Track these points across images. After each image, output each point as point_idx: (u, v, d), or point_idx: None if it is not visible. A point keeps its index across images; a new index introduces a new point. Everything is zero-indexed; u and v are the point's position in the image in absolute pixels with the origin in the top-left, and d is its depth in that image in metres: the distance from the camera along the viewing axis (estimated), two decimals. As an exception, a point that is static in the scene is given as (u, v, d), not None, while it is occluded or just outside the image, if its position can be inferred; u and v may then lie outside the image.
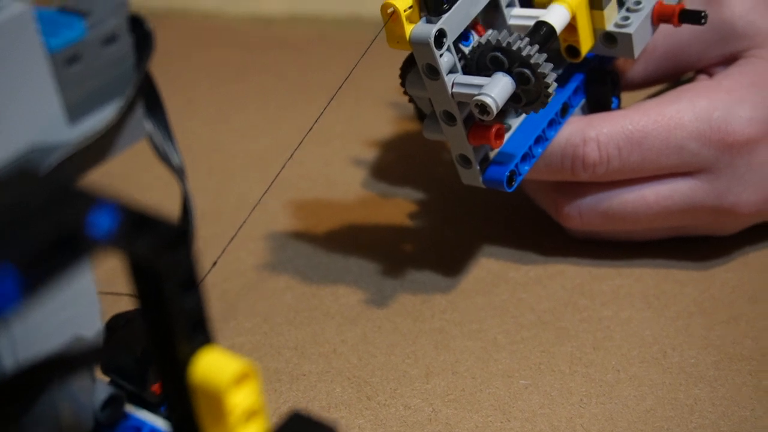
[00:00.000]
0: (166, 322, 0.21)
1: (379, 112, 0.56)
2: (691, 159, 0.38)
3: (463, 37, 0.35)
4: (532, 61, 0.33)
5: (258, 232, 0.46)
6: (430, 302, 0.41)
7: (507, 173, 0.37)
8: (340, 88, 0.38)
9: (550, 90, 0.34)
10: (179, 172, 0.28)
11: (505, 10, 0.37)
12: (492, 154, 0.38)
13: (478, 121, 0.35)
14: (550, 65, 0.34)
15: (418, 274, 0.42)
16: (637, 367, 0.37)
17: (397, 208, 0.47)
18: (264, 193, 0.39)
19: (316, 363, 0.38)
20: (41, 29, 0.24)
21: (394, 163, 0.51)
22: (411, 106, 0.39)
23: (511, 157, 0.37)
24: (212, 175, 0.52)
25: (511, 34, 0.34)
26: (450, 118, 0.36)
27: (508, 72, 0.34)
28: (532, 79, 0.34)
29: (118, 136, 0.26)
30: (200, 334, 0.22)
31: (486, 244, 0.44)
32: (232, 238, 0.37)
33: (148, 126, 0.28)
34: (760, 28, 0.39)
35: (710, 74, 0.41)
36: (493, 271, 0.42)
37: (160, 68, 0.64)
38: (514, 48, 0.33)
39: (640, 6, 0.38)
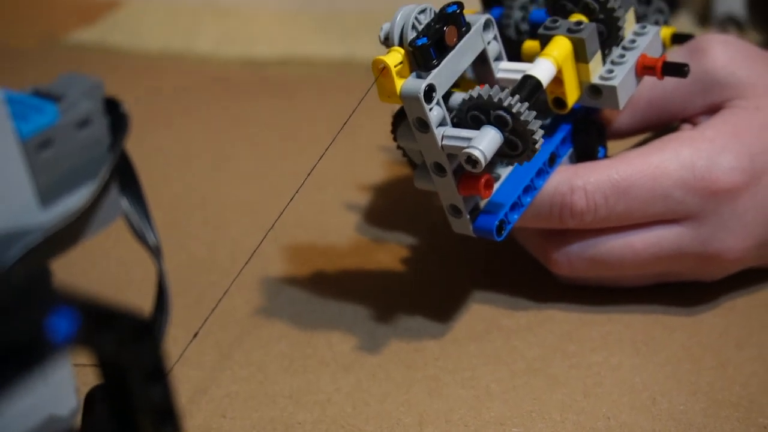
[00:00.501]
0: (132, 414, 0.22)
1: (371, 157, 0.57)
2: (677, 207, 0.39)
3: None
4: (519, 116, 0.34)
5: (252, 280, 0.47)
6: (423, 350, 0.41)
7: (496, 222, 0.38)
8: (333, 139, 0.38)
9: (537, 144, 0.35)
10: (155, 252, 0.28)
11: (493, 64, 0.38)
12: (482, 204, 0.39)
13: (468, 172, 0.36)
14: (539, 122, 0.35)
15: (411, 321, 0.43)
16: (627, 414, 0.37)
17: (390, 253, 0.48)
18: (259, 244, 0.40)
19: (311, 411, 0.38)
20: (12, 113, 0.24)
21: (387, 208, 0.52)
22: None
23: (500, 206, 0.38)
24: (207, 223, 0.52)
25: (502, 90, 0.35)
26: (440, 170, 0.36)
27: (495, 124, 0.35)
28: (519, 131, 0.35)
29: (93, 217, 0.26)
30: (168, 426, 0.22)
31: (478, 291, 0.44)
32: (226, 291, 0.38)
33: (124, 204, 0.27)
34: (741, 79, 0.40)
35: (694, 124, 0.42)
36: (485, 318, 0.43)
37: (155, 115, 0.65)
38: (504, 104, 0.34)
39: (624, 59, 0.39)
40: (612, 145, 0.43)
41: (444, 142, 0.35)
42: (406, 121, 0.36)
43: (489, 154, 0.34)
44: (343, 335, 0.42)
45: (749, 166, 0.38)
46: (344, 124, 0.38)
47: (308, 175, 0.38)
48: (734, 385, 0.38)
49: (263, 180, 0.56)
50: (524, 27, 0.43)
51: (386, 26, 0.36)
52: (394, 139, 0.38)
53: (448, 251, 0.47)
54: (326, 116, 0.64)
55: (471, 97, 0.35)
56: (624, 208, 0.39)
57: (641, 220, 0.39)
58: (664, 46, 0.43)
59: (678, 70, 0.38)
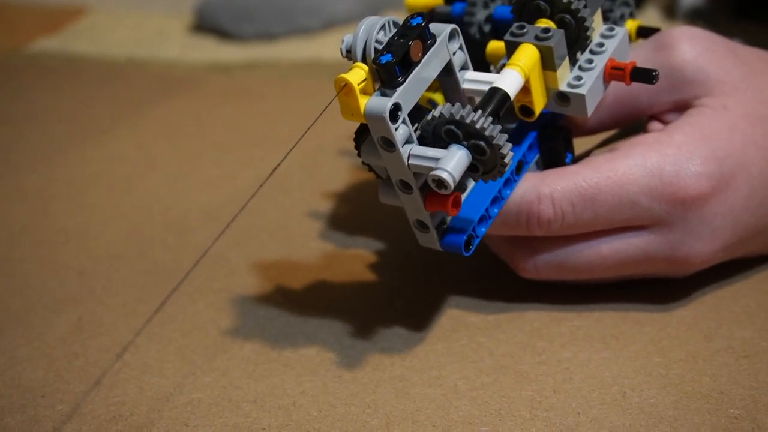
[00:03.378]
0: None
1: (337, 162, 0.56)
2: (644, 213, 0.38)
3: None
4: (486, 133, 0.33)
5: (217, 285, 0.46)
6: (389, 350, 0.41)
7: (464, 239, 0.37)
8: (295, 144, 0.37)
9: (506, 160, 0.34)
10: None
11: (459, 74, 0.36)
12: (448, 218, 0.38)
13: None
14: (505, 136, 0.34)
15: (378, 322, 0.42)
16: (597, 409, 0.36)
17: (356, 258, 0.47)
18: (214, 241, 0.39)
19: (275, 416, 0.38)
20: None
21: (352, 214, 0.51)
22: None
23: (468, 222, 0.37)
24: (171, 229, 0.51)
25: (464, 106, 0.34)
26: (406, 187, 0.35)
27: (464, 143, 0.34)
28: (488, 151, 0.34)
29: None
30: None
31: (445, 291, 0.44)
32: (174, 289, 0.37)
33: None
34: (709, 75, 0.39)
35: (662, 120, 0.41)
36: (453, 317, 0.42)
37: (119, 121, 0.65)
38: (468, 121, 0.33)
39: (593, 65, 0.38)
40: (579, 142, 0.43)
41: (410, 161, 0.34)
42: (370, 138, 0.35)
43: (457, 176, 0.33)
44: (309, 339, 0.42)
45: (717, 171, 0.38)
46: (306, 130, 0.37)
47: (267, 178, 0.37)
48: (704, 377, 0.37)
49: (228, 185, 0.55)
50: (488, 28, 0.42)
51: (348, 38, 0.35)
52: (358, 154, 0.37)
53: (413, 254, 0.47)
54: (293, 120, 0.63)
55: (435, 116, 0.34)
56: (591, 216, 0.38)
57: (609, 227, 0.39)
58: (631, 39, 0.42)
59: (646, 76, 0.37)
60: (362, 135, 0.36)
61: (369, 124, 0.34)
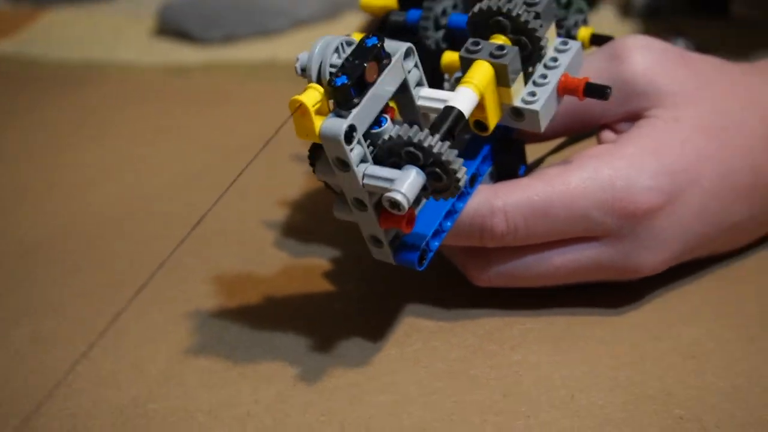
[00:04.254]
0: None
1: (292, 167, 0.56)
2: (595, 226, 0.39)
3: (375, 121, 0.35)
4: (443, 158, 0.33)
5: (172, 293, 0.46)
6: (343, 356, 0.41)
7: (419, 254, 0.37)
8: (255, 157, 0.37)
9: (460, 183, 0.34)
10: None
11: (414, 91, 0.37)
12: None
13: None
14: (461, 160, 0.34)
15: (332, 329, 0.42)
16: (547, 412, 0.37)
17: (310, 266, 0.47)
18: (168, 255, 0.39)
19: (229, 427, 0.38)
20: None
21: (307, 221, 0.51)
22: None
23: (421, 237, 0.37)
24: (126, 238, 0.51)
25: (419, 122, 0.34)
26: (361, 204, 0.36)
27: (418, 164, 0.34)
28: (444, 176, 0.34)
29: None
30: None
31: (398, 298, 0.44)
32: (129, 302, 0.37)
33: None
34: (660, 88, 0.40)
35: (614, 130, 0.42)
36: (406, 323, 0.43)
37: (76, 127, 0.64)
38: (425, 145, 0.33)
39: (546, 80, 0.38)
40: (530, 149, 0.43)
41: (365, 181, 0.34)
42: (325, 156, 0.35)
43: (412, 197, 0.34)
44: (265, 348, 0.42)
45: (667, 186, 0.38)
46: (260, 149, 0.37)
47: (223, 193, 0.37)
48: (652, 379, 0.38)
49: (186, 192, 0.56)
50: (441, 35, 0.43)
51: (303, 57, 0.35)
52: (314, 171, 0.37)
53: (367, 262, 0.47)
54: (250, 126, 0.63)
55: (390, 137, 0.34)
56: (543, 229, 0.39)
57: (561, 238, 0.39)
58: (584, 47, 0.42)
59: (600, 92, 0.38)
60: (316, 153, 0.37)
61: (324, 145, 0.34)
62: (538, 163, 0.46)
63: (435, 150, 0.34)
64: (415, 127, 0.34)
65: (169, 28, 0.81)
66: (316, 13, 0.80)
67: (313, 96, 0.34)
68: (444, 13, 0.43)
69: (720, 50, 0.49)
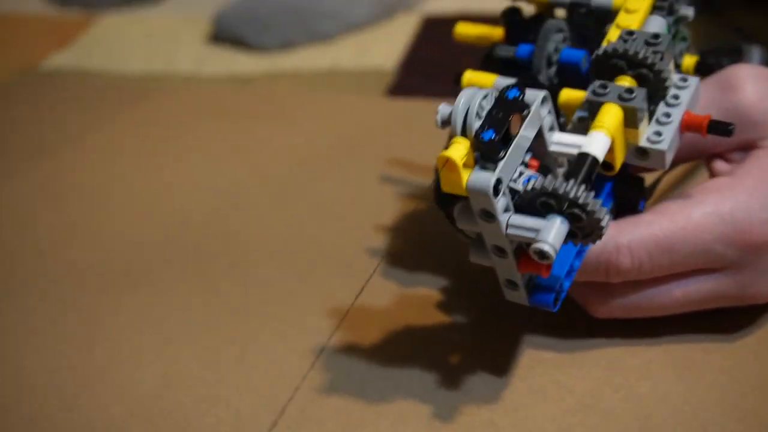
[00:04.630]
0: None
1: (382, 189, 0.57)
2: (716, 258, 0.40)
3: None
4: (581, 202, 0.34)
5: (290, 326, 0.47)
6: (472, 392, 0.42)
7: (554, 296, 0.38)
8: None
9: (603, 225, 0.35)
10: None
11: (547, 136, 0.37)
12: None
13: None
14: (600, 201, 0.35)
15: (455, 363, 0.44)
16: (683, 446, 0.39)
17: (421, 297, 0.48)
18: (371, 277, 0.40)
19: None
20: None
21: (408, 247, 0.52)
22: (414, 181, 0.39)
23: (556, 279, 0.39)
24: (235, 265, 0.52)
25: (551, 166, 0.35)
26: (500, 251, 0.37)
27: (561, 212, 0.35)
28: (585, 218, 0.35)
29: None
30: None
31: (513, 327, 0.45)
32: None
33: None
34: None
35: (726, 159, 0.43)
36: (527, 355, 0.44)
37: (155, 147, 0.65)
38: (561, 192, 0.34)
39: (670, 119, 0.39)
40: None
41: (509, 231, 0.35)
42: (463, 204, 0.36)
43: (558, 246, 0.34)
44: (392, 383, 0.43)
45: None
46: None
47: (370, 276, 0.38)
48: (780, 408, 0.40)
49: (284, 215, 0.57)
50: (556, 80, 0.43)
51: (444, 109, 0.35)
52: (450, 220, 0.38)
53: (475, 292, 0.48)
54: (325, 137, 0.64)
55: (534, 188, 0.35)
56: (667, 263, 0.40)
57: (682, 271, 0.41)
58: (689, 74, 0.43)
59: (723, 129, 0.38)
60: (450, 199, 0.37)
61: (471, 198, 0.35)
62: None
63: (581, 201, 0.35)
64: (560, 178, 0.35)
65: (225, 36, 0.81)
66: (368, 16, 0.81)
67: (459, 150, 0.35)
68: (555, 49, 0.44)
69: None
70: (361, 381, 0.44)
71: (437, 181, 0.37)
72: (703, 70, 0.45)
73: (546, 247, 0.34)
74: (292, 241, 0.54)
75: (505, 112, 0.35)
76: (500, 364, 0.44)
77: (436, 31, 0.79)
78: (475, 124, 0.35)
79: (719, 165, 0.43)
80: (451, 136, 0.36)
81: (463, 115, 0.35)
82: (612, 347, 0.44)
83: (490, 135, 0.34)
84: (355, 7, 0.80)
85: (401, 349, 0.45)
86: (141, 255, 0.55)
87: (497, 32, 0.49)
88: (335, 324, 0.47)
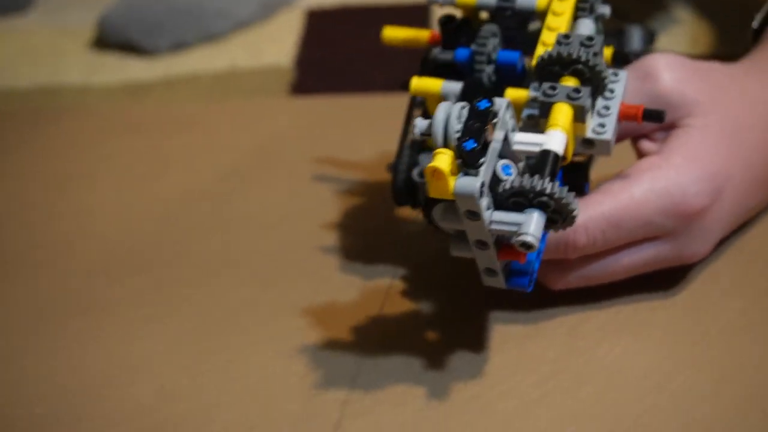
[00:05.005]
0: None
1: (318, 188, 0.60)
2: (657, 229, 0.46)
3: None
4: (557, 196, 0.39)
5: (269, 331, 0.50)
6: (457, 371, 0.47)
7: (528, 278, 0.43)
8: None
9: (575, 210, 0.40)
10: None
11: (510, 136, 0.42)
12: None
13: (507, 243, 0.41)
14: (572, 193, 0.40)
15: (433, 346, 0.48)
16: (651, 396, 0.44)
17: (385, 286, 0.52)
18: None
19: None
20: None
21: (361, 240, 0.56)
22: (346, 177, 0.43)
23: (529, 263, 0.43)
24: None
25: (515, 163, 0.39)
26: (482, 244, 0.41)
27: (536, 206, 0.40)
28: (560, 213, 0.40)
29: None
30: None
31: (478, 306, 0.50)
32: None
33: None
34: (689, 99, 0.47)
35: (651, 138, 0.49)
36: (496, 330, 0.48)
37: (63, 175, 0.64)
38: (539, 189, 0.39)
39: (610, 111, 0.44)
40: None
41: (493, 227, 0.40)
42: (443, 205, 0.40)
43: (539, 236, 0.39)
44: (381, 373, 0.47)
45: (711, 187, 0.46)
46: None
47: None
48: (722, 353, 0.46)
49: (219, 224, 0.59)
50: (494, 78, 0.48)
51: (421, 123, 0.39)
52: (429, 220, 0.42)
53: (436, 276, 0.52)
54: (238, 145, 0.66)
55: (512, 186, 0.39)
56: (616, 237, 0.46)
57: (628, 242, 0.47)
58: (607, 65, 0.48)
59: (656, 116, 0.44)
60: (433, 203, 0.41)
61: (458, 201, 0.39)
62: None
63: (556, 195, 0.39)
64: (536, 177, 0.40)
65: (113, 40, 0.80)
66: (254, 13, 0.82)
67: (445, 161, 0.39)
68: (493, 48, 0.48)
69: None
70: (351, 374, 0.47)
71: (397, 182, 0.41)
72: (619, 59, 0.50)
73: (529, 239, 0.39)
74: (240, 254, 0.56)
75: (481, 122, 0.39)
76: (475, 342, 0.48)
77: (321, 25, 0.82)
78: (455, 135, 0.39)
79: (646, 144, 0.49)
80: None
81: (443, 127, 0.39)
82: (570, 315, 0.49)
83: (471, 145, 0.38)
84: (241, 5, 0.81)
85: (380, 340, 0.49)
86: (89, 284, 0.56)
87: (423, 35, 0.52)
88: (309, 323, 0.50)
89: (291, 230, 0.57)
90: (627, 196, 0.46)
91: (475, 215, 0.39)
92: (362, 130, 0.66)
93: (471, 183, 0.38)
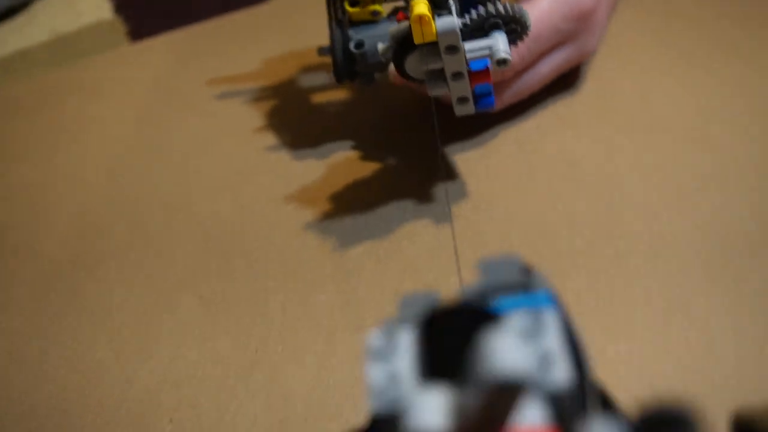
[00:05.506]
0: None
1: (227, 112, 0.64)
2: (563, 34, 0.55)
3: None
4: (519, 17, 0.46)
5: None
6: (460, 201, 0.54)
7: (492, 97, 0.50)
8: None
9: (528, 22, 0.47)
10: None
11: None
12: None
13: (487, 69, 0.48)
14: (525, 11, 0.46)
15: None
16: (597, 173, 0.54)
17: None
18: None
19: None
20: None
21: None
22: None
23: (488, 87, 0.50)
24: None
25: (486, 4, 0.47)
26: (458, 75, 0.47)
27: (498, 27, 0.46)
28: (519, 27, 0.47)
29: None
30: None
31: (447, 149, 0.57)
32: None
33: None
34: None
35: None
36: (463, 160, 0.56)
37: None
38: (508, 13, 0.45)
39: None
40: None
41: (469, 55, 0.46)
42: (414, 54, 0.46)
43: (510, 51, 0.45)
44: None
45: None
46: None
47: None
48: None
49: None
50: None
51: None
52: (402, 73, 0.48)
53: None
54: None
55: (479, 15, 0.45)
56: (538, 49, 0.55)
57: (543, 53, 0.55)
58: None
59: None
60: (401, 56, 0.47)
61: (440, 38, 0.45)
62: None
63: (514, 14, 0.47)
64: (489, 3, 0.47)
65: None
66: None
67: (425, 8, 0.45)
68: None
69: None
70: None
71: (338, 60, 0.48)
72: None
73: (503, 54, 0.46)
74: (201, 229, 0.56)
75: None
76: (461, 171, 0.55)
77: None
78: None
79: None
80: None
81: None
82: (514, 127, 0.58)
83: None
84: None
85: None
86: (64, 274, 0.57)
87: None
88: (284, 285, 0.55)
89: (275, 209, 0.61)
90: (538, 10, 0.54)
91: (454, 49, 0.46)
92: (242, 47, 0.69)
93: (451, 20, 0.44)
